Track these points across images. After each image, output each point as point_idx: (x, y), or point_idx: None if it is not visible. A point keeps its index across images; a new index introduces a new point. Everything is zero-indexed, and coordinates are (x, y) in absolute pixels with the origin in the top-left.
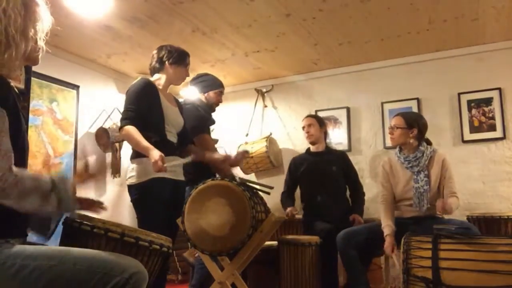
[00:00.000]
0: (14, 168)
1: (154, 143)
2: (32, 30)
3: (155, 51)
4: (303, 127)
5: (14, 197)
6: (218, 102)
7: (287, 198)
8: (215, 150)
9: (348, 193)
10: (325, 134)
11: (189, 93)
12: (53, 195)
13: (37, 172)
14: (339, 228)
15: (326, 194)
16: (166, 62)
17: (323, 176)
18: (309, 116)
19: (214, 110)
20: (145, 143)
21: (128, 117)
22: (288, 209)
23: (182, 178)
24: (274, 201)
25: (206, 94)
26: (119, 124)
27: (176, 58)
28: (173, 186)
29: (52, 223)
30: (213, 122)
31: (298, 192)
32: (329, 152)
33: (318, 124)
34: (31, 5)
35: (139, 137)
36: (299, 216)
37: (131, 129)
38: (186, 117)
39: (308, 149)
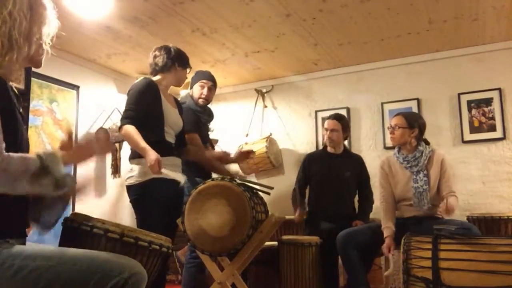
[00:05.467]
0: (4, 153)
1: (152, 143)
2: (37, 34)
3: (161, 51)
4: (326, 129)
5: (4, 183)
6: (201, 96)
7: (298, 195)
8: (204, 148)
9: (356, 198)
10: (346, 138)
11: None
12: (44, 172)
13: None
14: (341, 228)
15: (334, 197)
16: (176, 64)
17: (335, 180)
18: (335, 119)
19: (205, 105)
20: (143, 143)
21: (129, 116)
22: (297, 214)
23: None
24: (274, 201)
25: (191, 91)
26: (119, 124)
27: (184, 61)
28: (172, 186)
29: (52, 215)
30: (209, 119)
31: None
32: (346, 155)
33: (342, 130)
34: (38, 9)
35: (138, 137)
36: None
37: (130, 129)
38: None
39: (325, 148)
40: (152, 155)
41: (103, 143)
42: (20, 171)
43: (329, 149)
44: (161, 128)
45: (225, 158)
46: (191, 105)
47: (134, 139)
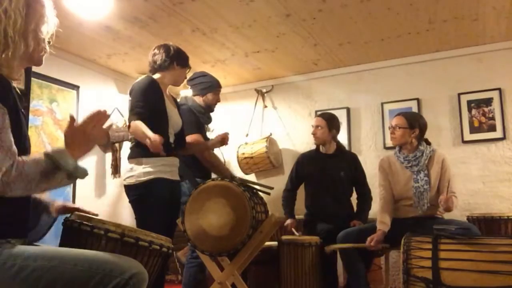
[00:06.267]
0: (16, 160)
1: None
2: (34, 32)
3: (160, 49)
4: (312, 125)
5: (21, 187)
6: (217, 102)
7: (288, 199)
8: (205, 149)
9: (354, 196)
10: (334, 137)
11: (189, 94)
12: (57, 169)
13: (34, 155)
14: (340, 228)
15: (331, 198)
16: (175, 63)
17: (329, 180)
18: (320, 116)
19: (212, 110)
20: (147, 130)
21: (137, 113)
22: (288, 222)
23: (178, 178)
24: (274, 201)
25: (204, 97)
26: (119, 125)
27: (183, 60)
28: (170, 186)
29: (43, 227)
30: (209, 121)
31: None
32: (340, 154)
33: (327, 127)
34: (35, 6)
35: (144, 127)
36: (300, 216)
37: (137, 123)
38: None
39: (318, 148)
40: (155, 135)
41: (100, 124)
42: (35, 173)
43: (321, 148)
44: (166, 129)
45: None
46: (192, 107)
47: (139, 129)
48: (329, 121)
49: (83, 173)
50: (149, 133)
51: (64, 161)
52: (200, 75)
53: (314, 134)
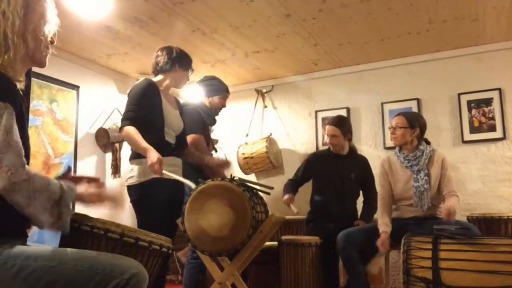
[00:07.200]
0: (27, 166)
1: (152, 144)
2: (33, 32)
3: (163, 51)
4: (326, 134)
5: (24, 194)
6: (222, 106)
7: (290, 185)
8: (206, 150)
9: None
10: (349, 140)
11: (189, 94)
12: (59, 203)
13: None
14: (342, 229)
15: (337, 197)
16: (177, 65)
17: (339, 180)
18: (333, 125)
19: (217, 114)
20: (144, 144)
21: (129, 117)
22: (286, 197)
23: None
24: (274, 201)
25: (210, 98)
26: (119, 125)
27: (186, 62)
28: (172, 187)
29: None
30: (213, 123)
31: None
32: (352, 156)
33: (342, 134)
34: (34, 7)
35: (138, 138)
36: (302, 216)
37: (131, 130)
38: (185, 118)
39: (330, 148)
40: (153, 155)
41: (118, 200)
42: (41, 188)
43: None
44: (161, 129)
45: (225, 166)
46: (198, 106)
47: (135, 139)
48: (342, 127)
49: (66, 226)
50: (150, 155)
51: (67, 201)
52: (211, 78)
53: (331, 143)
